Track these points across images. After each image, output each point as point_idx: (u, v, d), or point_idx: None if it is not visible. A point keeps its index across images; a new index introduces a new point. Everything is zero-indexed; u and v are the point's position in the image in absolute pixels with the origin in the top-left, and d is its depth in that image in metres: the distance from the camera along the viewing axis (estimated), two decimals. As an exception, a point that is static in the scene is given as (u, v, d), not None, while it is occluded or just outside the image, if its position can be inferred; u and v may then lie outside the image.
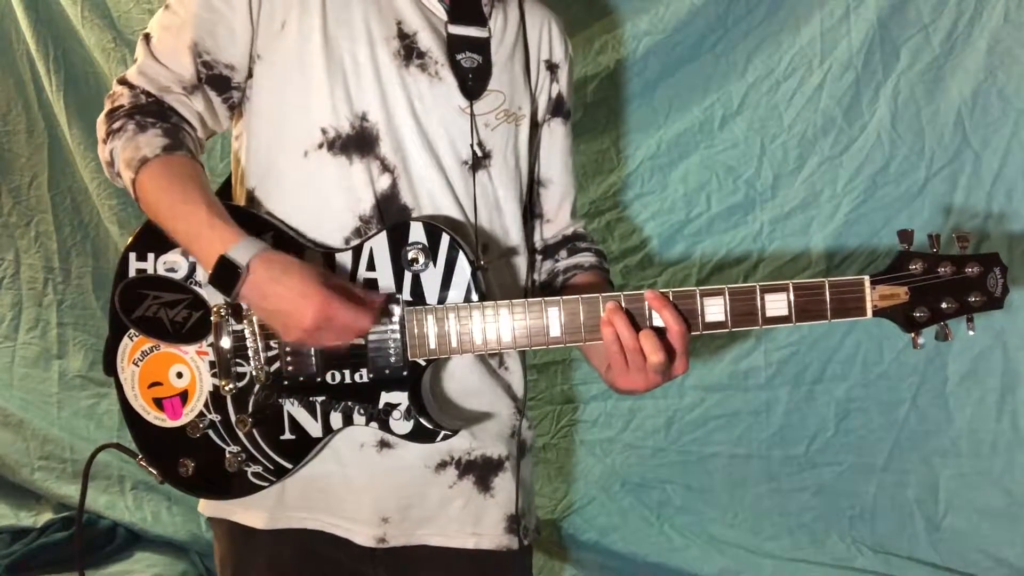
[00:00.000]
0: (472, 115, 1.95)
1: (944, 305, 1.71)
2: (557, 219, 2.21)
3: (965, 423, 3.19)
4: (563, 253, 2.18)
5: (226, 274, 1.67)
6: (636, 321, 1.74)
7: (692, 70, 3.44)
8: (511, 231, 2.04)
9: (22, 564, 4.04)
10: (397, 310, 1.79)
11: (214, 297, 1.80)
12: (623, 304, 1.74)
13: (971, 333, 1.74)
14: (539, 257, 2.20)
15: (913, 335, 1.73)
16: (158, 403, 1.88)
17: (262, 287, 1.67)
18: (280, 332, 1.73)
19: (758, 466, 3.53)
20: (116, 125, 1.81)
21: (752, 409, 3.51)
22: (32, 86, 4.42)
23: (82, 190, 4.41)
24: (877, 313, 1.72)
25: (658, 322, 1.74)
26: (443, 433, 1.81)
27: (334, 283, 1.71)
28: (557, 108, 2.18)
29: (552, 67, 2.15)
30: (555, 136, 2.19)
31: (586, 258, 2.15)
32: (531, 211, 2.18)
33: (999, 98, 3.00)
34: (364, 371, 1.80)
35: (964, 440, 3.20)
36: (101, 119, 1.86)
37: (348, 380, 1.81)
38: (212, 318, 1.82)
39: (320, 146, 1.86)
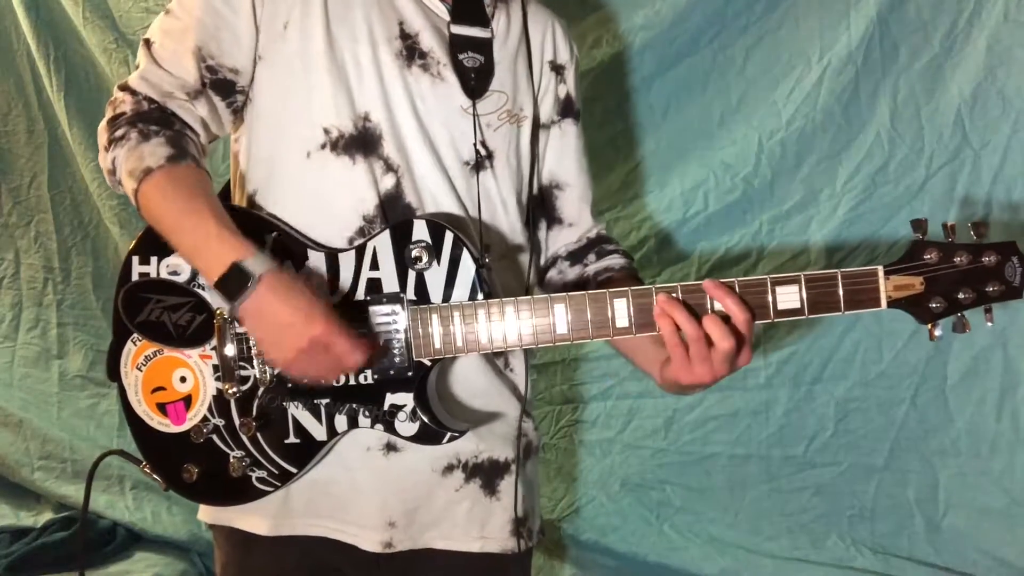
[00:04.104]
0: (475, 115, 1.95)
1: (961, 295, 1.67)
2: (579, 222, 2.20)
3: (965, 423, 3.18)
4: (591, 257, 2.16)
5: (235, 282, 1.66)
6: (694, 311, 1.71)
7: (690, 66, 3.43)
8: (513, 231, 2.04)
9: (22, 564, 4.04)
10: (401, 310, 1.78)
11: (217, 300, 1.79)
12: (680, 296, 1.72)
13: (989, 324, 1.70)
14: (566, 263, 2.18)
15: (929, 326, 1.70)
16: (161, 408, 1.88)
17: (268, 300, 1.66)
18: (269, 347, 1.71)
19: (758, 466, 3.53)
20: (119, 133, 1.80)
21: (751, 409, 3.50)
22: (32, 86, 4.42)
23: (82, 190, 4.41)
24: (892, 304, 1.69)
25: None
26: (449, 434, 1.81)
27: (338, 318, 1.70)
28: (567, 109, 2.18)
29: (558, 68, 2.15)
30: (567, 137, 2.19)
31: (616, 260, 2.14)
32: (549, 217, 2.18)
33: (999, 97, 2.99)
34: (368, 372, 1.80)
35: (964, 440, 3.19)
36: (103, 126, 1.85)
37: (352, 382, 1.81)
38: (215, 321, 1.82)
39: (323, 146, 1.86)
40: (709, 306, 1.72)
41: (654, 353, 1.87)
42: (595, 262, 2.15)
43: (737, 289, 1.71)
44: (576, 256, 2.18)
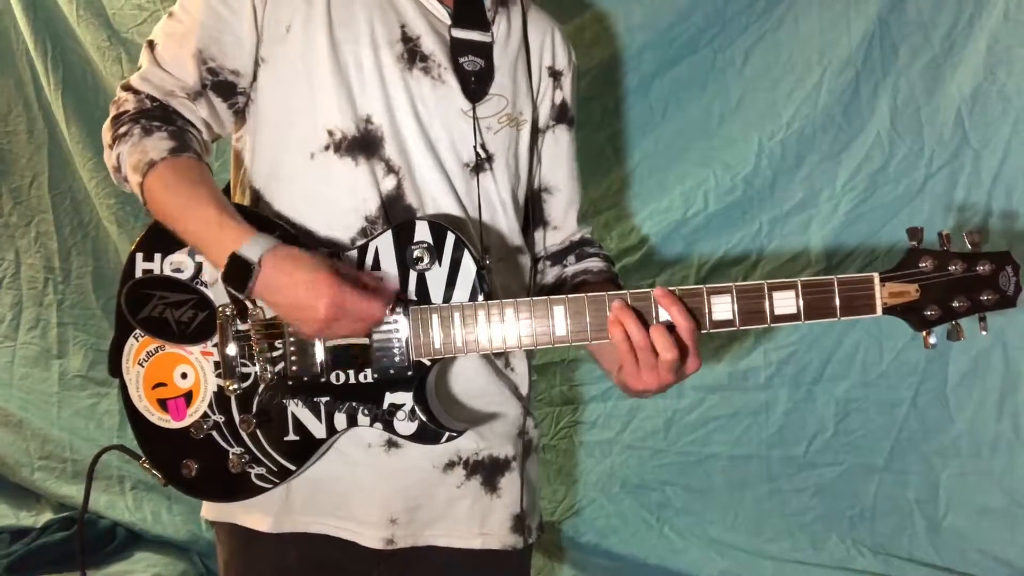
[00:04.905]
0: (475, 118, 1.95)
1: (956, 303, 1.69)
2: (564, 226, 2.21)
3: (965, 423, 3.18)
4: (571, 259, 2.18)
5: (239, 272, 1.67)
6: (644, 319, 1.73)
7: (689, 66, 3.42)
8: (512, 233, 2.04)
9: (22, 564, 4.05)
10: (402, 311, 1.78)
11: (220, 297, 1.81)
12: (629, 302, 1.74)
13: (984, 333, 1.72)
14: (547, 263, 2.20)
15: (924, 334, 1.72)
16: (162, 404, 1.88)
17: (275, 282, 1.67)
18: (297, 327, 1.74)
19: (758, 467, 3.52)
20: (122, 130, 1.82)
21: (751, 409, 3.50)
22: (32, 86, 4.43)
23: (82, 190, 4.42)
24: (887, 311, 1.71)
25: (664, 317, 1.73)
26: (447, 434, 1.81)
27: (345, 272, 1.72)
28: (561, 115, 2.18)
29: (555, 74, 2.15)
30: (560, 143, 2.19)
31: (594, 263, 2.16)
32: (536, 218, 2.19)
33: (999, 97, 2.99)
34: (368, 371, 1.80)
35: (964, 440, 3.19)
36: (106, 125, 1.86)
37: (352, 380, 1.81)
38: (217, 319, 1.82)
39: (326, 148, 1.87)
40: (655, 314, 1.74)
41: (614, 356, 1.87)
42: (574, 264, 2.17)
43: (735, 294, 1.72)
44: (557, 257, 2.20)
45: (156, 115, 1.84)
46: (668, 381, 1.75)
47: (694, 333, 1.72)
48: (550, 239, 2.21)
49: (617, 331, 1.73)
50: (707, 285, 1.73)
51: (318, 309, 1.66)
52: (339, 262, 1.78)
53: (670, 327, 1.72)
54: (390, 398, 1.81)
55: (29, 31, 4.24)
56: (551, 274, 2.19)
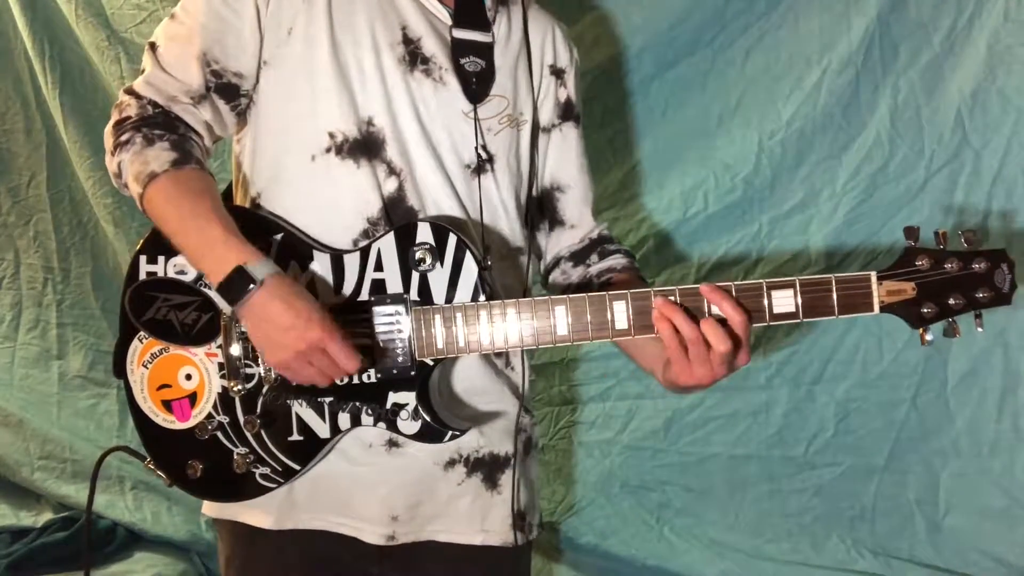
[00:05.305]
0: (476, 119, 1.96)
1: (952, 301, 1.71)
2: (581, 223, 2.21)
3: (965, 423, 3.17)
4: (594, 257, 2.18)
5: (237, 284, 1.68)
6: (693, 314, 1.73)
7: (689, 66, 3.42)
8: (513, 233, 2.05)
9: (22, 564, 4.05)
10: (404, 311, 1.79)
11: (223, 301, 1.81)
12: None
13: (980, 330, 1.74)
14: (569, 264, 2.20)
15: (921, 331, 1.73)
16: (167, 405, 1.89)
17: (270, 303, 1.68)
18: (268, 349, 1.73)
19: (758, 467, 3.51)
20: (124, 137, 1.82)
21: (751, 410, 3.49)
22: (30, 85, 4.42)
23: (80, 189, 4.41)
24: (884, 309, 1.73)
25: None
26: (451, 433, 1.83)
27: (337, 324, 1.72)
28: (567, 112, 2.19)
29: (558, 72, 2.17)
30: (568, 140, 2.20)
31: (618, 260, 2.16)
32: (551, 219, 2.20)
33: (999, 97, 2.98)
34: (372, 371, 1.81)
35: (964, 440, 3.18)
36: (108, 130, 1.87)
37: (356, 380, 1.82)
38: (221, 320, 1.83)
39: (328, 150, 1.88)
40: (706, 309, 1.74)
41: (656, 353, 1.88)
42: (597, 262, 2.17)
43: (734, 293, 1.73)
44: (579, 256, 2.20)
45: (158, 122, 1.84)
46: (721, 374, 1.75)
47: (747, 326, 1.73)
48: (568, 238, 2.21)
49: (665, 326, 1.73)
50: (706, 284, 1.74)
51: (302, 338, 1.67)
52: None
53: (721, 321, 1.72)
54: (393, 398, 1.82)
55: (27, 30, 4.23)
56: (575, 275, 2.19)
